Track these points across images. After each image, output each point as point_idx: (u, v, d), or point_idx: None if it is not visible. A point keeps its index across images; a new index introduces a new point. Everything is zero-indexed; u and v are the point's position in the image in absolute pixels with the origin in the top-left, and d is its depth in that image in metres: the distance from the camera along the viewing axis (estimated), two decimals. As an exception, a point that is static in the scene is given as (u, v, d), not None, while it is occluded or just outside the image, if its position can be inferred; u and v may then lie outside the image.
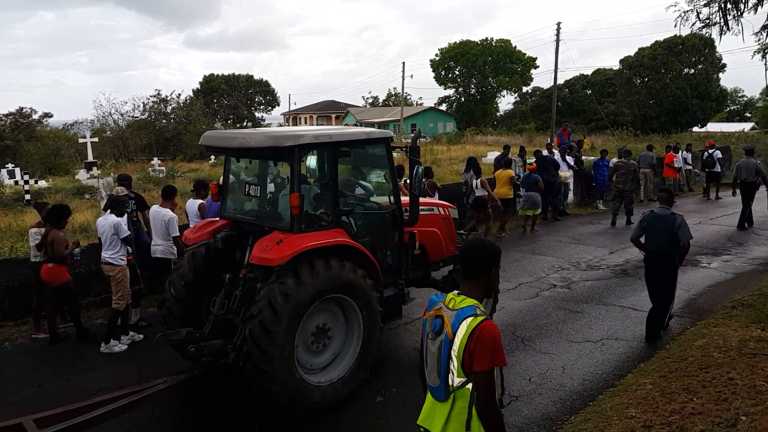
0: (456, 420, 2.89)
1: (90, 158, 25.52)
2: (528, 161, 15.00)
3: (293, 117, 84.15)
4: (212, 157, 33.47)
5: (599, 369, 6.42)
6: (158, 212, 8.16)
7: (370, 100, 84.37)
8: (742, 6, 7.88)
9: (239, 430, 5.46)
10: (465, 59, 60.96)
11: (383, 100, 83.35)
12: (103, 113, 37.63)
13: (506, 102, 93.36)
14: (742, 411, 4.77)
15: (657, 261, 7.21)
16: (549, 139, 26.97)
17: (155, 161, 27.06)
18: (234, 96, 60.44)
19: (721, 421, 4.69)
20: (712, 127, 50.23)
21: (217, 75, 63.07)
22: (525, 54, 61.45)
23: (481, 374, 2.76)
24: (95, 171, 22.91)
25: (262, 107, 66.02)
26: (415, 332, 7.42)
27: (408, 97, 75.07)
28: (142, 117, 38.85)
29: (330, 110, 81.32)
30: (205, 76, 62.96)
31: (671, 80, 44.70)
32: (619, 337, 7.35)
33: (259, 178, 6.42)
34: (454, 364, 2.83)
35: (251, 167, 6.51)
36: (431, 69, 63.85)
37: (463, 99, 64.69)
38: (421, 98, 79.49)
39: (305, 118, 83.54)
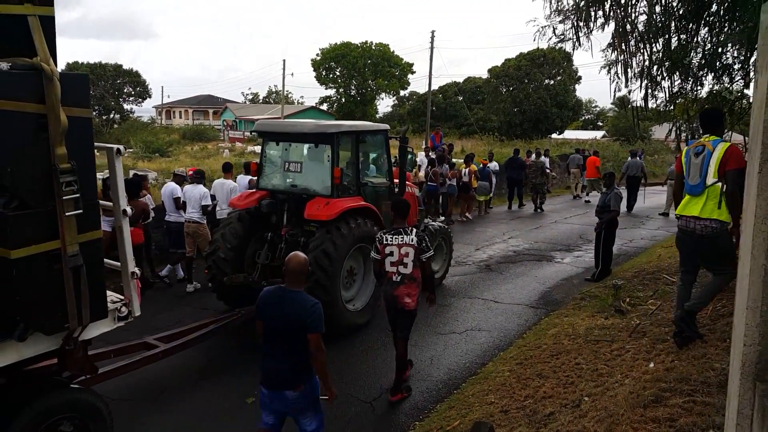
0: (710, 204, 4.78)
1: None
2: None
3: (167, 110, 79.82)
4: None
5: (463, 359, 6.77)
6: (223, 183, 9.97)
7: (250, 97, 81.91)
8: (591, 25, 8.58)
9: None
10: (346, 60, 61.14)
11: (263, 98, 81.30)
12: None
13: (385, 104, 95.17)
14: (585, 392, 5.20)
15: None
16: (424, 142, 27.88)
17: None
18: (100, 86, 56.35)
19: (567, 402, 5.09)
20: (569, 134, 53.89)
21: (82, 63, 58.41)
22: (402, 59, 62.93)
23: (732, 171, 4.62)
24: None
25: (131, 99, 62.04)
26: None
27: (289, 96, 74.06)
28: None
29: (207, 105, 77.99)
30: (68, 63, 57.93)
31: (533, 90, 47.70)
32: (481, 327, 7.79)
33: (298, 158, 8.13)
34: (711, 169, 4.76)
35: (288, 150, 8.16)
36: (312, 68, 63.46)
37: (343, 100, 64.93)
38: (302, 97, 78.39)
39: (180, 112, 79.48)
